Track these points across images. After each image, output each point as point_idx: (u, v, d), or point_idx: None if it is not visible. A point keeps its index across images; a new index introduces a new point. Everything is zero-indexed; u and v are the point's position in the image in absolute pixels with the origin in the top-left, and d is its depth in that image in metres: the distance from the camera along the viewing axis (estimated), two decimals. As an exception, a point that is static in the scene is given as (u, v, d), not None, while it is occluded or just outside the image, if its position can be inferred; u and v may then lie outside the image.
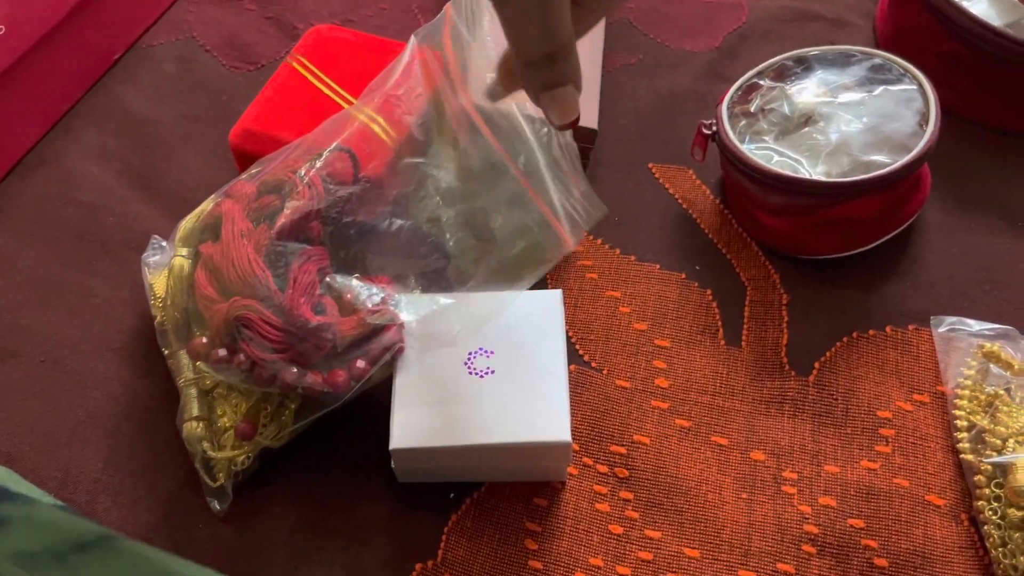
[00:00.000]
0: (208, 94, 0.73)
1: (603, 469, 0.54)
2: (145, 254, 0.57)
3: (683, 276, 0.62)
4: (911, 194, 0.61)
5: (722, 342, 0.59)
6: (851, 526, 0.51)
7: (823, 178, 0.58)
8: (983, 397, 0.54)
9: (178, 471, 0.53)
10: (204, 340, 0.48)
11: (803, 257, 0.62)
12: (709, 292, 0.61)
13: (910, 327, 0.59)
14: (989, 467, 0.51)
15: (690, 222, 0.65)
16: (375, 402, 0.52)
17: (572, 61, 0.37)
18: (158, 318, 0.55)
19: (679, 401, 0.56)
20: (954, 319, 0.58)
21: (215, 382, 0.51)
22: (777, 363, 0.58)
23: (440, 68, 0.48)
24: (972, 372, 0.55)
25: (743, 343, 0.59)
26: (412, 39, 0.50)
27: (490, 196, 0.49)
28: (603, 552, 0.51)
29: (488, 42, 0.45)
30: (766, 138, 0.61)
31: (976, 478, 0.51)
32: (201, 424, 0.51)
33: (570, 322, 0.60)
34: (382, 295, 0.49)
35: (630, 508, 0.52)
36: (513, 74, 0.39)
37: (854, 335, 0.59)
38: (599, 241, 0.64)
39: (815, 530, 0.51)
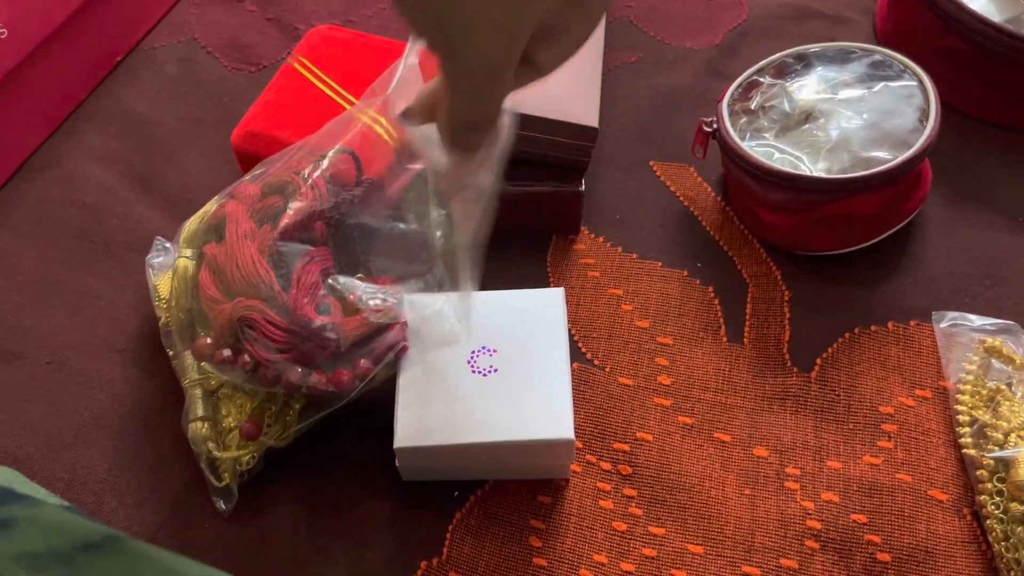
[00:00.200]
0: (210, 95, 0.74)
1: (606, 466, 0.54)
2: (149, 255, 0.58)
3: (685, 273, 0.62)
4: (912, 190, 0.61)
5: (724, 339, 0.59)
6: (854, 521, 0.51)
7: (824, 175, 0.58)
8: (985, 392, 0.54)
9: (183, 471, 0.53)
10: (208, 341, 0.48)
11: (804, 254, 0.62)
12: (711, 289, 0.61)
13: (911, 323, 0.59)
14: (991, 462, 0.51)
15: (691, 219, 0.65)
16: (379, 401, 0.52)
17: (490, 134, 0.37)
18: (162, 319, 0.55)
19: (682, 398, 0.56)
20: (955, 314, 0.58)
21: (220, 382, 0.52)
22: (779, 359, 0.58)
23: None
24: (974, 367, 0.55)
25: (745, 340, 0.59)
26: (412, 39, 0.50)
27: None
28: (607, 549, 0.51)
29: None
30: (767, 135, 0.61)
31: (978, 473, 0.51)
32: (206, 424, 0.51)
33: (572, 320, 0.60)
34: (385, 295, 0.50)
35: (634, 505, 0.52)
36: (432, 111, 0.38)
37: (856, 331, 0.59)
38: (601, 239, 0.64)
39: (818, 526, 0.51)
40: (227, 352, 0.47)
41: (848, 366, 0.57)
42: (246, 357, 0.47)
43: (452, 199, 0.41)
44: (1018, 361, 0.54)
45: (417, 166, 0.52)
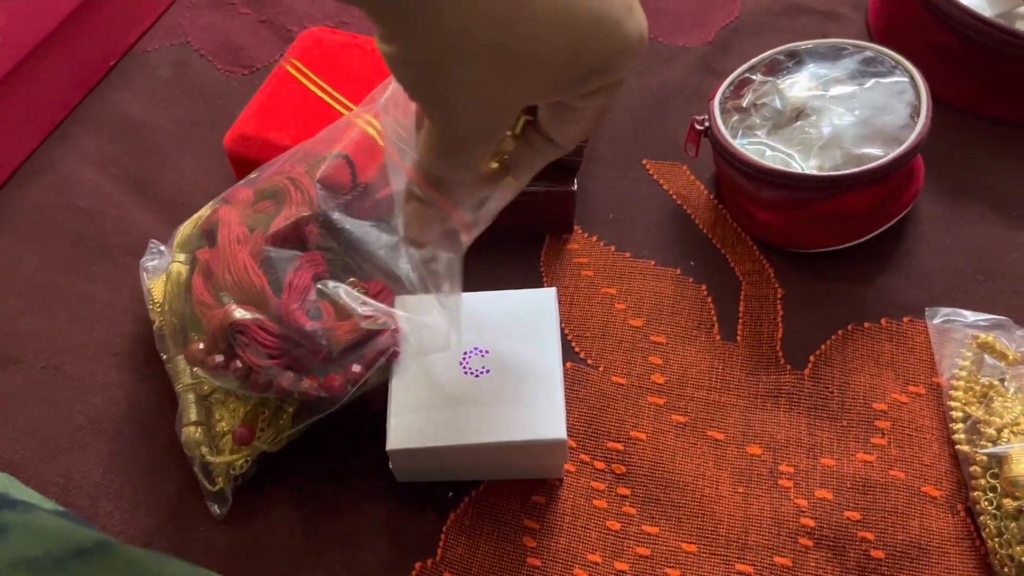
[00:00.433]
0: (204, 98, 0.74)
1: (600, 466, 0.54)
2: (143, 259, 0.58)
3: (678, 272, 0.62)
4: (904, 186, 0.61)
5: (717, 337, 0.59)
6: (848, 518, 0.51)
7: (815, 172, 0.58)
8: (978, 388, 0.54)
9: (179, 475, 0.54)
10: (201, 346, 0.49)
11: (797, 251, 0.62)
12: (704, 287, 0.61)
13: (905, 319, 0.59)
14: (985, 458, 0.51)
15: (684, 218, 0.65)
16: (372, 404, 0.53)
17: (454, 192, 0.38)
18: (156, 323, 0.55)
19: (675, 397, 0.57)
20: (949, 310, 0.58)
21: (212, 387, 0.52)
22: (772, 357, 0.58)
23: None
24: (967, 363, 0.56)
25: (738, 338, 0.59)
26: None
27: None
28: (601, 548, 0.51)
29: None
30: (758, 133, 0.61)
31: (972, 469, 0.51)
32: (199, 429, 0.51)
33: (566, 319, 0.60)
34: (377, 299, 0.50)
35: (627, 504, 0.53)
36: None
37: (849, 328, 0.59)
38: (594, 238, 0.64)
39: (812, 523, 0.51)
40: (219, 358, 0.47)
41: (841, 363, 0.57)
42: (238, 363, 0.47)
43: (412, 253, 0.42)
44: (1011, 357, 0.54)
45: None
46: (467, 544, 0.51)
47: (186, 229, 0.55)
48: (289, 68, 0.66)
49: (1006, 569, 0.48)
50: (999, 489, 0.50)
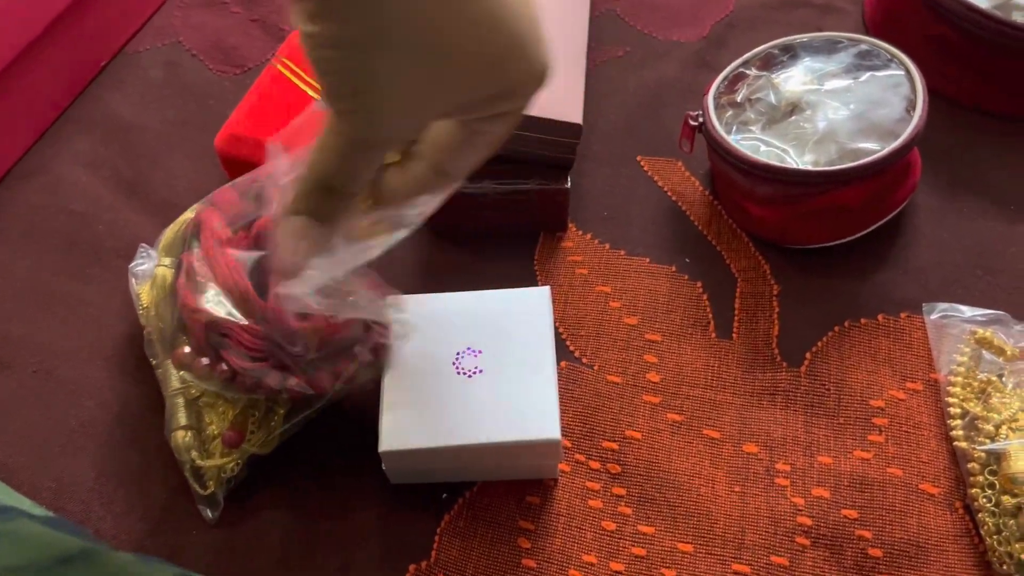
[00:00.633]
0: (195, 99, 0.73)
1: (595, 465, 0.54)
2: (133, 263, 0.57)
3: (673, 269, 0.62)
4: (900, 181, 0.60)
5: (713, 335, 0.59)
6: (845, 517, 0.51)
7: (810, 167, 0.57)
8: (976, 384, 0.54)
9: (170, 478, 0.53)
10: (187, 350, 0.48)
11: (793, 247, 0.62)
12: (699, 285, 0.61)
13: (902, 315, 0.59)
14: (983, 454, 0.50)
15: (680, 215, 0.65)
16: (364, 404, 0.52)
17: (342, 211, 0.36)
18: (145, 328, 0.55)
19: (671, 395, 0.56)
20: (946, 306, 0.58)
21: (201, 391, 0.51)
22: (768, 354, 0.57)
23: None
24: (965, 359, 0.55)
25: (734, 335, 0.59)
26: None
27: None
28: (596, 549, 0.51)
29: None
30: (753, 128, 0.61)
31: (970, 465, 0.51)
32: (189, 433, 0.51)
33: (560, 318, 0.60)
34: (364, 296, 0.49)
35: (623, 504, 0.52)
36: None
37: (846, 324, 0.58)
38: (588, 236, 0.64)
39: (809, 522, 0.51)
40: (205, 361, 0.47)
41: (838, 360, 0.57)
42: (223, 366, 0.46)
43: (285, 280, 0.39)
44: (1009, 352, 0.54)
45: None
46: (461, 546, 0.51)
47: (171, 232, 0.55)
48: (281, 67, 0.65)
49: (1004, 566, 0.48)
50: (997, 486, 0.49)
